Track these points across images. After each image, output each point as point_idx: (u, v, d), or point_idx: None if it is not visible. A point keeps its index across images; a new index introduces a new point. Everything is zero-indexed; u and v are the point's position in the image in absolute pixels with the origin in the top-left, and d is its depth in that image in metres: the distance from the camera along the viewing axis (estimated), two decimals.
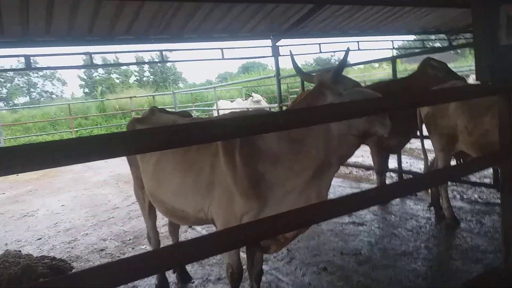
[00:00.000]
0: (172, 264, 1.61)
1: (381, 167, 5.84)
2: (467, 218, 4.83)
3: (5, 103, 39.01)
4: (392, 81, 6.13)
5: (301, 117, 1.99)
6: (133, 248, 4.94)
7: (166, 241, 4.63)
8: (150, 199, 3.38)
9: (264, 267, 4.03)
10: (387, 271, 3.73)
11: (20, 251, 4.97)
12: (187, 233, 5.16)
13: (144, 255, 1.63)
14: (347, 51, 2.51)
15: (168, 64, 43.46)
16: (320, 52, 9.20)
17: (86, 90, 38.33)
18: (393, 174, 6.99)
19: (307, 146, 2.51)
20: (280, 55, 8.39)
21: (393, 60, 6.43)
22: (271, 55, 8.33)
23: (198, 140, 1.71)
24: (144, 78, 42.89)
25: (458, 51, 26.66)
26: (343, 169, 8.21)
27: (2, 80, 39.21)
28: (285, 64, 45.34)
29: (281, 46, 8.37)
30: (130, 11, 5.72)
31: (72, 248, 5.17)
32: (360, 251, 4.21)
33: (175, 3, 5.68)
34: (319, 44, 9.08)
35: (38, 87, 43.07)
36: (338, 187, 6.92)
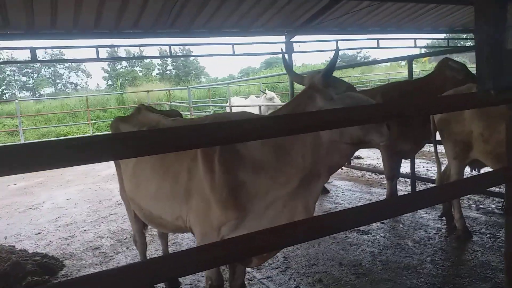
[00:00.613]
0: (147, 281, 1.52)
1: (391, 172, 5.51)
2: (480, 230, 4.54)
3: (31, 93, 39.94)
4: (406, 82, 5.81)
5: (279, 126, 1.79)
6: (127, 248, 4.82)
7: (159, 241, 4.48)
8: (130, 203, 3.23)
9: (257, 275, 3.85)
10: (385, 287, 3.49)
11: (14, 246, 4.93)
12: (184, 235, 5.00)
13: (118, 269, 1.65)
14: (337, 51, 2.30)
15: (191, 58, 43.59)
16: (337, 49, 8.88)
17: (110, 82, 38.82)
18: (408, 179, 6.64)
19: (293, 154, 2.30)
20: (294, 52, 8.14)
21: (409, 59, 6.08)
22: (284, 51, 8.07)
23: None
24: (167, 72, 43.15)
25: None
26: (355, 172, 7.93)
27: (30, 70, 40.14)
28: (305, 60, 44.88)
29: (296, 42, 8.12)
30: (135, 4, 5.59)
31: (67, 244, 5.08)
32: (361, 263, 3.98)
33: None
34: (336, 40, 8.77)
35: (63, 78, 43.92)
36: (348, 191, 6.65)
